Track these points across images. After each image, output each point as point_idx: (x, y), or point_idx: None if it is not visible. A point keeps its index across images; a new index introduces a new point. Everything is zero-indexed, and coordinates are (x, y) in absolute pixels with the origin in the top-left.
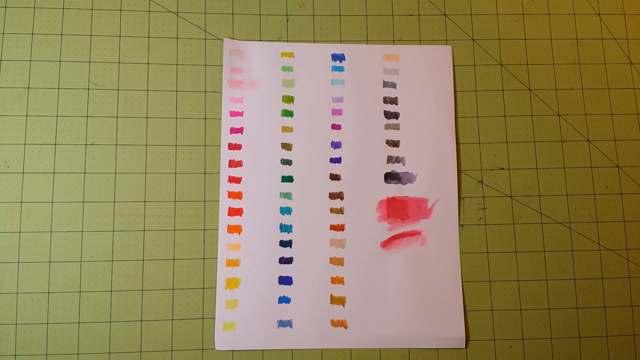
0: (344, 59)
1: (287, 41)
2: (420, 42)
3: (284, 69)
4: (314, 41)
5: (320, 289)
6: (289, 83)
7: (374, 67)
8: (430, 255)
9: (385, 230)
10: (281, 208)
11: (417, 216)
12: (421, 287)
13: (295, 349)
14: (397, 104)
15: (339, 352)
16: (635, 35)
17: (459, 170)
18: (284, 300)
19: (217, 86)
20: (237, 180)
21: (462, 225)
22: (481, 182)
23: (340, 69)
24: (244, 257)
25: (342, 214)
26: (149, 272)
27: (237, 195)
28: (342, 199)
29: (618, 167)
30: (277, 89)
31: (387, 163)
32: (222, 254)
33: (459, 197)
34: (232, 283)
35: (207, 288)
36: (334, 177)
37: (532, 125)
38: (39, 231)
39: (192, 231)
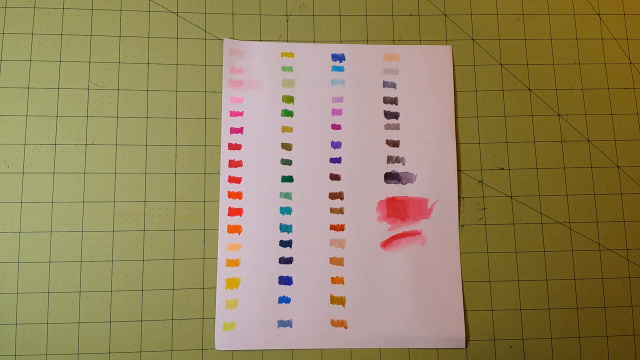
0: (344, 59)
1: (287, 41)
2: (420, 42)
3: (284, 69)
4: (314, 41)
5: (320, 289)
6: (289, 83)
7: (374, 67)
8: (430, 255)
9: (385, 230)
10: (281, 208)
11: (417, 216)
12: (421, 287)
13: (295, 349)
14: (397, 104)
15: (339, 352)
16: (635, 35)
17: (459, 170)
18: (284, 300)
19: (217, 86)
20: (237, 180)
21: (462, 225)
22: (481, 182)
23: (340, 69)
24: (244, 257)
25: (342, 214)
26: (149, 272)
27: (237, 195)
28: (342, 199)
29: (618, 167)
30: (277, 89)
31: (387, 163)
32: (222, 254)
33: (459, 197)
34: (232, 283)
35: (207, 288)
36: (334, 177)
37: (532, 125)
38: (39, 231)
39: (192, 231)
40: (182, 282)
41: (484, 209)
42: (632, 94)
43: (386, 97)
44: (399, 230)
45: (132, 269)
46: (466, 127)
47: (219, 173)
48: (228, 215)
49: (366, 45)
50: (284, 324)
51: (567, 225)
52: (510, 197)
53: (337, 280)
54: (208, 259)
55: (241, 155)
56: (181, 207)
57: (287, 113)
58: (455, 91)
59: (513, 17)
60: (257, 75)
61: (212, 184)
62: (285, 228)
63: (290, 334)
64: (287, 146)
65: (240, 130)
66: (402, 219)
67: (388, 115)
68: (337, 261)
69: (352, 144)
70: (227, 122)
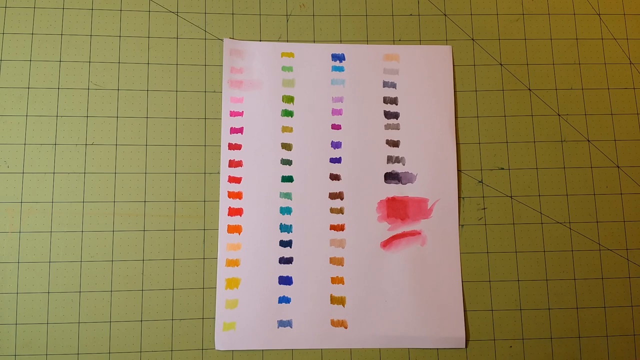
0: (344, 59)
1: (287, 41)
2: (420, 42)
3: (284, 69)
4: (314, 41)
5: (320, 289)
6: (289, 83)
7: (374, 67)
8: (430, 255)
9: (385, 230)
10: (281, 208)
11: (417, 216)
12: (421, 287)
13: (295, 349)
14: (397, 104)
15: (339, 352)
16: (635, 35)
17: (459, 170)
18: (284, 300)
19: (217, 86)
20: (237, 180)
21: (462, 225)
22: (481, 182)
23: (340, 69)
24: (244, 257)
25: (342, 214)
26: (149, 272)
27: (237, 195)
28: (342, 199)
29: (618, 167)
30: (277, 89)
31: (387, 163)
32: (222, 254)
33: (459, 197)
34: (232, 283)
35: (207, 288)
36: (334, 177)
37: (532, 125)
38: (39, 231)
39: (192, 231)
40: (182, 282)
41: (484, 209)
42: (632, 94)
43: (386, 97)
44: (399, 230)
45: (132, 269)
46: (466, 127)
47: (219, 173)
48: (228, 215)
49: (366, 45)
50: (284, 324)
51: (567, 225)
52: (510, 197)
53: (337, 280)
54: (208, 259)
55: (241, 155)
56: (181, 207)
57: (287, 113)
58: (455, 91)
59: (513, 17)
60: (257, 75)
61: (212, 184)
62: (285, 228)
63: (290, 334)
64: (287, 146)
65: (240, 130)
66: (402, 219)
67: (388, 115)
68: (337, 261)
69: (352, 144)
70: (227, 122)
